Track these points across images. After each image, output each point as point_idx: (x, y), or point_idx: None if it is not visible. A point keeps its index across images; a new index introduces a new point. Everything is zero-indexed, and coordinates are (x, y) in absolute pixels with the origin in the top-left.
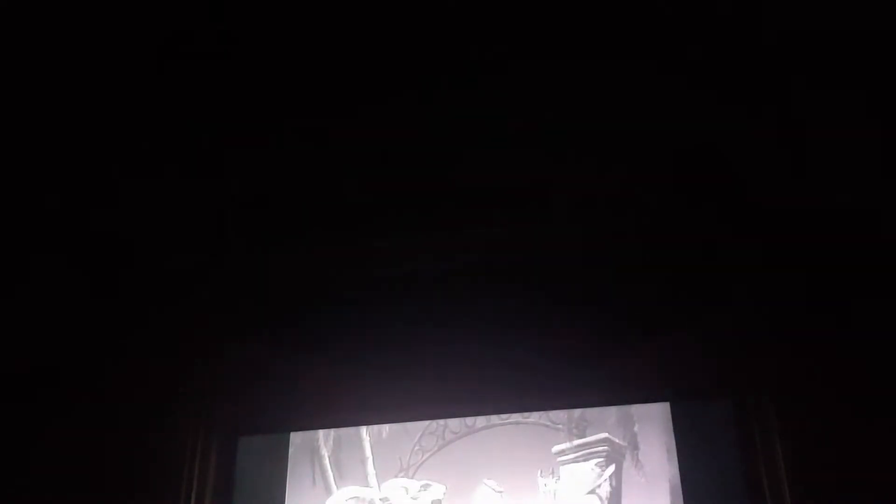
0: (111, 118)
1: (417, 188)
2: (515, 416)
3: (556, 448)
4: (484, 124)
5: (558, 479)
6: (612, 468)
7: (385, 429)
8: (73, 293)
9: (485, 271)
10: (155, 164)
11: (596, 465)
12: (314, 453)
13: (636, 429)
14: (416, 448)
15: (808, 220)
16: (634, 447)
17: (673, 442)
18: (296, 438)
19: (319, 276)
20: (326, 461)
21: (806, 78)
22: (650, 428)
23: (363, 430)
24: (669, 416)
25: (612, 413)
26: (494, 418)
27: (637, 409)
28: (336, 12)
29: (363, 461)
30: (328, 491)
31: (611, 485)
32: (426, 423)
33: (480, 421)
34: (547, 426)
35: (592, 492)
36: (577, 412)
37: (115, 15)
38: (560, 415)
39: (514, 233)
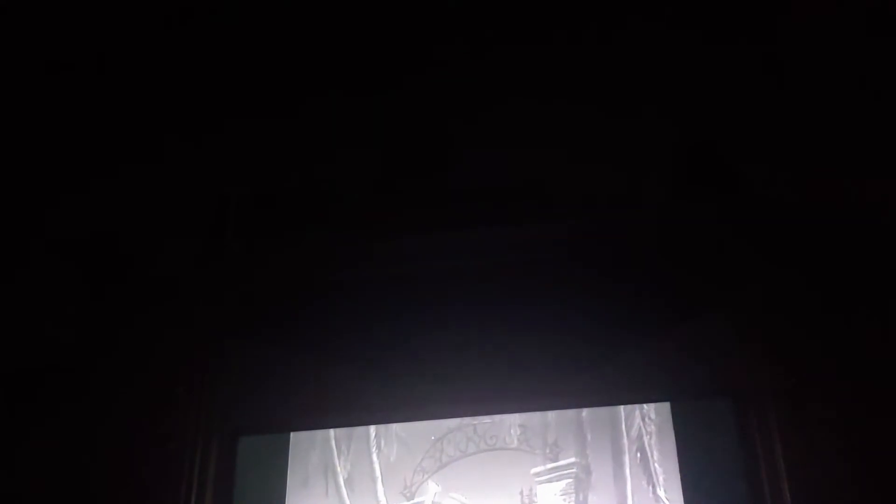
0: (109, 117)
1: (418, 188)
2: (500, 443)
3: (533, 470)
4: (485, 123)
5: (536, 495)
6: (580, 486)
7: (393, 452)
8: (72, 293)
9: (485, 271)
10: (154, 163)
11: (566, 484)
12: (329, 469)
13: (589, 460)
14: (418, 468)
15: (809, 220)
16: (588, 473)
17: (619, 469)
18: (312, 457)
19: (320, 275)
20: (340, 478)
21: (809, 77)
22: (601, 457)
23: (374, 452)
24: (618, 443)
25: (571, 443)
26: (483, 445)
27: (590, 439)
28: (336, 9)
29: (373, 480)
30: (341, 502)
31: (578, 501)
32: (427, 447)
33: (472, 447)
34: (526, 451)
35: None
36: (550, 439)
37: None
38: (537, 442)
39: (515, 233)
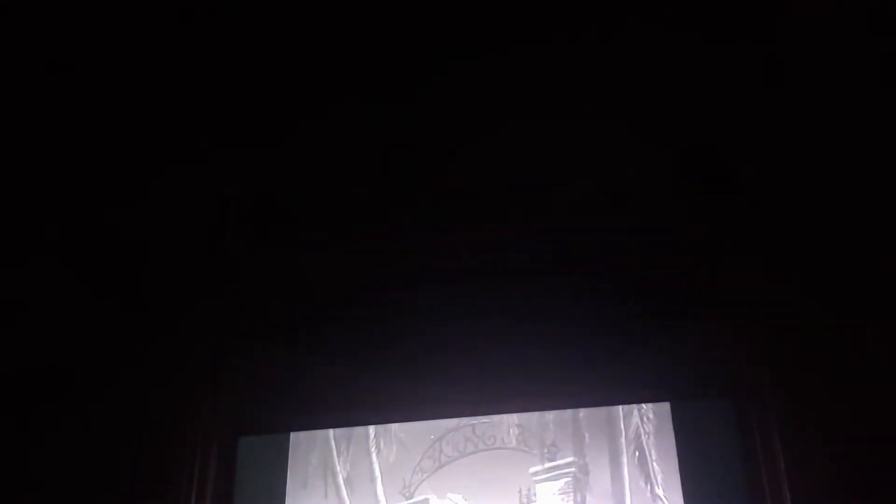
0: (109, 117)
1: (419, 188)
2: (499, 443)
3: (531, 469)
4: (485, 124)
5: (534, 494)
6: (577, 486)
7: (392, 452)
8: (71, 294)
9: (485, 272)
10: (153, 163)
11: (565, 483)
12: (328, 469)
13: (587, 459)
14: (417, 468)
15: (809, 220)
16: (586, 472)
17: (617, 468)
18: (312, 458)
19: (319, 276)
20: (340, 478)
21: (809, 77)
22: (599, 456)
23: (373, 452)
24: (616, 442)
25: (569, 443)
26: (482, 445)
27: (588, 439)
28: (336, 9)
29: (372, 480)
30: (341, 502)
31: (576, 500)
32: (425, 447)
33: (470, 447)
34: (524, 451)
35: None
36: (548, 439)
37: (117, 12)
38: (535, 441)
39: (514, 233)
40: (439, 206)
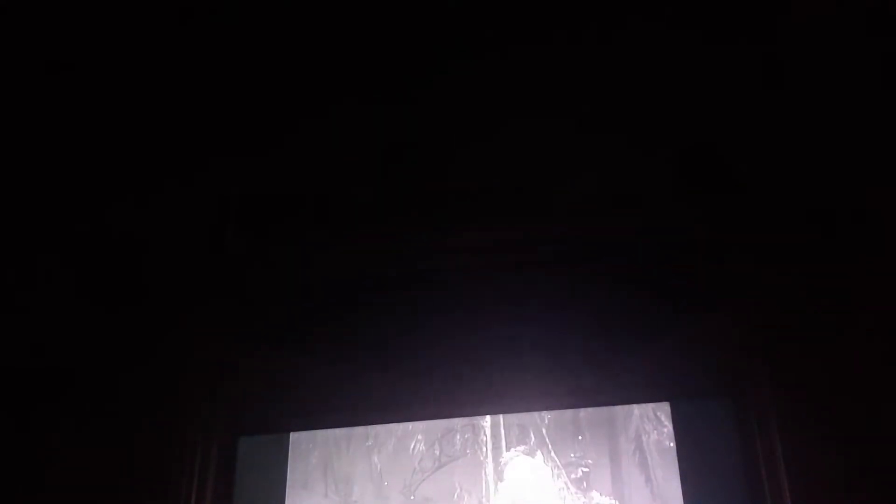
0: (109, 117)
1: (419, 188)
2: (499, 443)
3: (532, 469)
4: (485, 124)
5: (535, 494)
6: (578, 485)
7: (392, 452)
8: (75, 295)
9: (484, 271)
10: (153, 163)
11: (565, 482)
12: (328, 469)
13: (588, 459)
14: (417, 468)
15: (809, 221)
16: (587, 472)
17: (617, 467)
18: (312, 458)
19: (319, 276)
20: (340, 478)
21: (809, 77)
22: (599, 456)
23: (374, 454)
24: (616, 441)
25: (570, 442)
26: (482, 444)
27: (589, 438)
28: (336, 9)
29: (373, 480)
30: (341, 502)
31: (577, 499)
32: (425, 448)
33: (470, 446)
34: (525, 451)
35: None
36: (549, 439)
37: (117, 12)
38: (536, 441)
39: (514, 233)
40: (439, 206)
